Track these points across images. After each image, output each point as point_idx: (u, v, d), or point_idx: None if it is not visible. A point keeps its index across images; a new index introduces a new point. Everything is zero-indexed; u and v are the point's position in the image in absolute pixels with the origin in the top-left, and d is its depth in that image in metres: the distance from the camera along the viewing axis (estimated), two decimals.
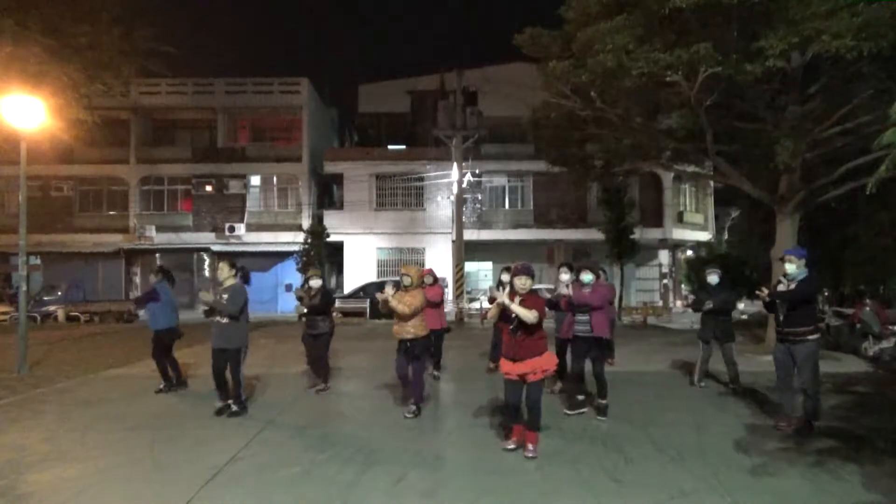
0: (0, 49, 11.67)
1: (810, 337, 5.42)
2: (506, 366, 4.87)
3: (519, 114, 14.60)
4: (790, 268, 5.49)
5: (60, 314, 20.40)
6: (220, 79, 25.09)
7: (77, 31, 13.00)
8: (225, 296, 6.09)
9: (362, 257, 24.01)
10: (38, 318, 19.88)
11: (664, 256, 25.62)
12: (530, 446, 4.80)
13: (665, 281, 25.53)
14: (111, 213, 25.07)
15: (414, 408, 6.11)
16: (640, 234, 21.96)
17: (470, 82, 22.59)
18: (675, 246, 26.55)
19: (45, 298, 21.15)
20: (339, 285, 25.46)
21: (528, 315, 4.65)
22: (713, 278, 7.57)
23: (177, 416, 6.25)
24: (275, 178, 25.43)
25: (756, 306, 19.18)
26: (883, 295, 12.68)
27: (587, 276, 6.27)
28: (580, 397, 6.24)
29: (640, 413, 6.21)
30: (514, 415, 4.97)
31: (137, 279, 25.08)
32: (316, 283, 7.53)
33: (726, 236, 30.07)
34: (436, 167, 23.22)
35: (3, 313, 19.73)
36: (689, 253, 27.78)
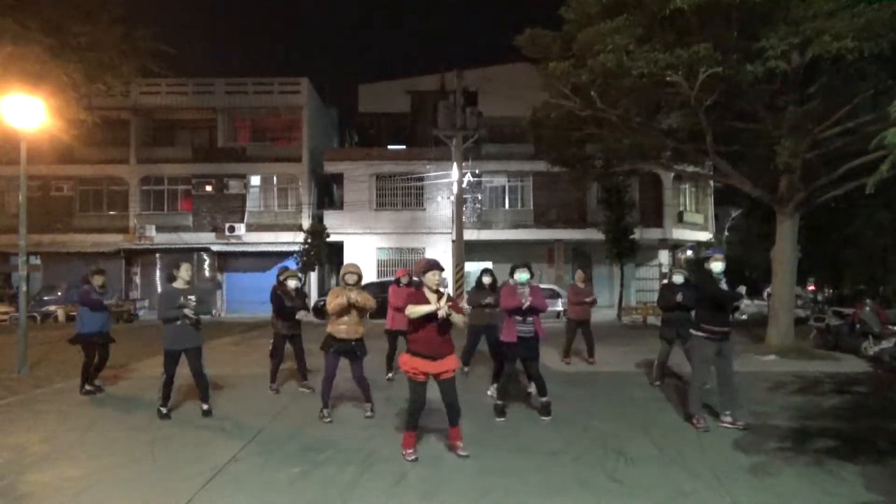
0: (0, 49, 11.67)
1: (693, 332, 5.84)
2: (420, 364, 4.70)
3: (519, 114, 14.62)
4: (720, 266, 5.72)
5: (60, 314, 20.41)
6: (220, 79, 25.06)
7: (77, 30, 13.00)
8: (193, 297, 6.08)
9: (362, 257, 23.98)
10: (38, 318, 19.88)
11: (664, 256, 25.62)
12: (460, 444, 4.80)
13: (665, 281, 25.53)
14: (111, 213, 25.05)
15: (369, 406, 6.14)
16: (640, 234, 21.95)
17: (470, 82, 22.57)
18: (675, 246, 26.54)
19: (45, 298, 21.15)
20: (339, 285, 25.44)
21: (459, 321, 4.69)
22: (678, 278, 7.63)
23: (177, 416, 6.24)
24: (275, 178, 25.41)
25: (756, 307, 19.21)
26: (883, 295, 12.68)
27: (523, 276, 6.08)
28: (500, 402, 6.16)
29: (640, 413, 6.22)
30: (418, 420, 4.87)
31: (137, 279, 25.08)
32: (293, 283, 7.50)
33: (726, 236, 30.07)
34: (436, 167, 23.20)
35: (3, 313, 19.73)
36: (689, 253, 27.77)
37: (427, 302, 4.71)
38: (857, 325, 10.39)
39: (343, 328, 5.86)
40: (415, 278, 8.18)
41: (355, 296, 5.79)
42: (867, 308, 10.26)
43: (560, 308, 19.10)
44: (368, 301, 5.92)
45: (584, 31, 9.90)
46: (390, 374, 8.39)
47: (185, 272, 6.22)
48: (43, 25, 12.32)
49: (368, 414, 6.09)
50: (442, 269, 4.91)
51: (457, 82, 19.91)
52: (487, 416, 6.08)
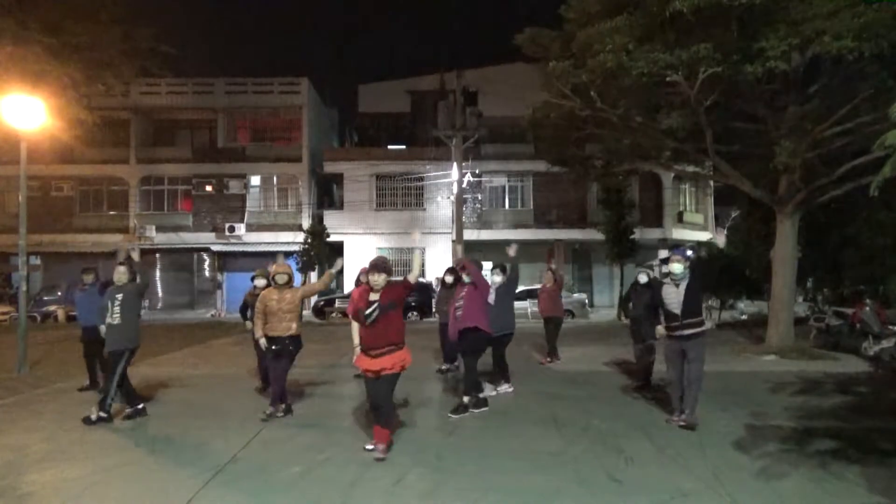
0: (0, 49, 11.68)
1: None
2: (363, 362, 4.77)
3: (519, 114, 14.59)
4: (677, 267, 5.73)
5: (60, 314, 20.42)
6: (220, 79, 25.08)
7: (77, 30, 13.02)
8: (119, 295, 6.07)
9: (362, 257, 23.98)
10: (38, 318, 19.89)
11: (664, 256, 25.62)
12: (379, 445, 4.74)
13: (665, 281, 25.51)
14: (111, 213, 25.07)
15: (272, 409, 6.03)
16: (640, 234, 21.96)
17: (470, 82, 22.58)
18: (675, 246, 26.55)
19: (45, 298, 21.15)
20: (339, 285, 25.47)
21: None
22: (643, 278, 7.58)
23: (177, 416, 6.24)
24: (275, 178, 25.43)
25: (756, 307, 19.18)
26: (882, 295, 12.66)
27: (468, 278, 6.29)
28: (481, 395, 6.35)
29: (640, 413, 6.22)
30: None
31: (137, 279, 25.05)
32: (261, 282, 7.40)
33: (726, 236, 30.02)
34: (436, 167, 23.21)
35: (4, 313, 19.73)
36: (689, 253, 27.76)
37: (367, 298, 4.78)
38: (857, 325, 10.36)
39: (274, 327, 5.98)
40: (399, 278, 8.31)
41: (276, 302, 5.96)
42: (867, 308, 10.23)
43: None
44: (294, 299, 6.04)
45: (583, 31, 9.89)
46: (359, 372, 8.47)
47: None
48: (43, 25, 12.34)
49: (263, 417, 5.94)
50: (381, 271, 4.79)
51: (457, 82, 19.92)
52: (487, 415, 6.08)
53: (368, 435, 5.40)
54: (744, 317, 19.00)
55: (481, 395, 6.39)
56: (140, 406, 6.14)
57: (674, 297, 5.71)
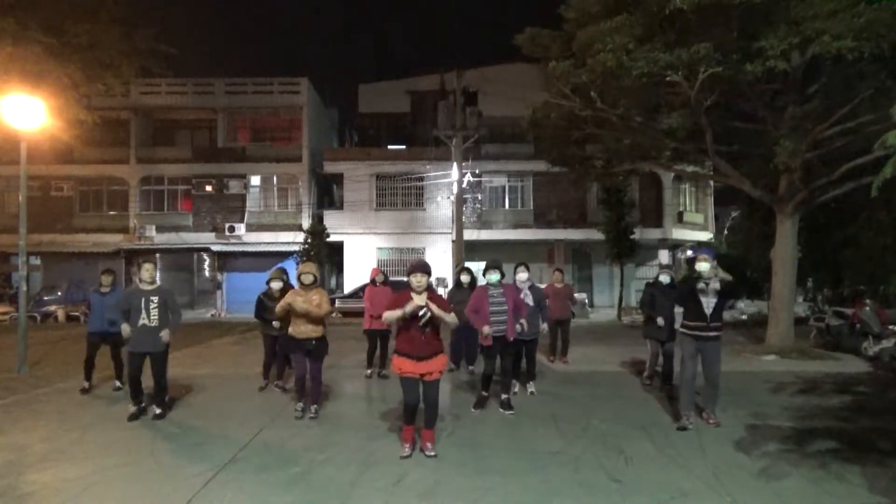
0: (0, 49, 11.68)
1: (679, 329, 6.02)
2: (406, 365, 4.75)
3: (519, 114, 14.60)
4: (705, 266, 5.62)
5: (60, 314, 20.41)
6: (220, 79, 25.05)
7: (77, 30, 13.03)
8: (155, 298, 6.05)
9: (362, 257, 24.03)
10: (38, 318, 19.89)
11: (664, 256, 25.62)
12: (429, 444, 4.84)
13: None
14: (111, 213, 25.04)
15: (314, 408, 6.09)
16: (640, 234, 21.95)
17: (470, 82, 22.56)
18: (675, 246, 26.56)
19: (45, 298, 21.14)
20: (340, 285, 25.48)
21: (449, 320, 4.79)
22: (665, 278, 7.51)
23: (177, 415, 6.24)
24: (275, 178, 25.42)
25: (756, 307, 19.20)
26: (882, 295, 12.66)
27: (494, 276, 6.16)
28: (485, 394, 6.44)
29: (640, 413, 6.22)
30: (414, 417, 4.89)
31: (137, 279, 25.04)
32: (277, 285, 7.39)
33: (726, 236, 30.06)
34: (436, 167, 23.20)
35: (4, 313, 19.72)
36: (689, 253, 27.78)
37: (414, 301, 4.76)
38: (857, 325, 10.37)
39: (301, 329, 5.93)
40: (404, 278, 8.23)
41: (301, 301, 5.88)
42: (867, 308, 10.24)
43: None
44: (318, 307, 5.93)
45: (583, 31, 9.91)
46: (369, 371, 8.48)
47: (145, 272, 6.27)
48: (43, 25, 12.36)
49: (311, 415, 6.01)
50: (425, 273, 4.82)
51: (457, 82, 19.90)
52: (485, 416, 6.09)
53: (368, 435, 5.41)
54: (744, 317, 19.03)
55: (484, 394, 6.42)
56: (143, 405, 6.15)
57: (704, 298, 5.63)
